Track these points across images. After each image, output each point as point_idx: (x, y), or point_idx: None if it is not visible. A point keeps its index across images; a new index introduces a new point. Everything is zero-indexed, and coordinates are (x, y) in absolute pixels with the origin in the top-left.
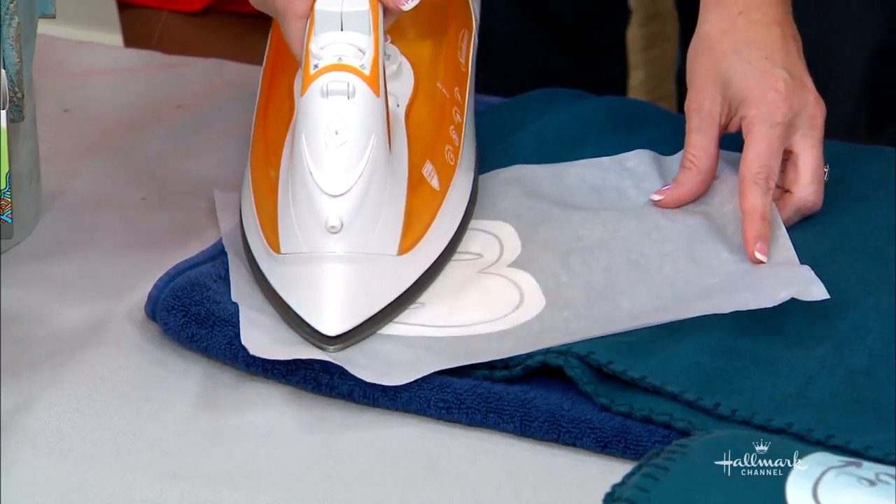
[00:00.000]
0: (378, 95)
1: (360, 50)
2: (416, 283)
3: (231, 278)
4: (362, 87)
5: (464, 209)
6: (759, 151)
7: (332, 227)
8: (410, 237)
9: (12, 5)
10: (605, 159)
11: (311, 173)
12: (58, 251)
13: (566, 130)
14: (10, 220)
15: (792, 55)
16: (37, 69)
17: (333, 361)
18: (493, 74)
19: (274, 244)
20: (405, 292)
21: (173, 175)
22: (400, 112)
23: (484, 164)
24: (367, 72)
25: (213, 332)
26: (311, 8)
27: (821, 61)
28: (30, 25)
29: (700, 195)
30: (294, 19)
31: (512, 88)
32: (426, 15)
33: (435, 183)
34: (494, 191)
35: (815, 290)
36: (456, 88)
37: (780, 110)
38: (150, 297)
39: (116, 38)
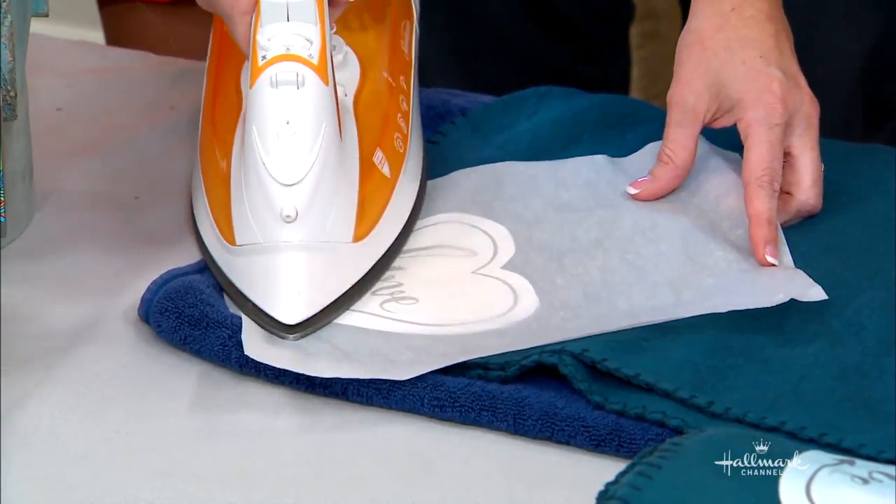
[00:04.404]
0: (327, 84)
1: (308, 40)
2: (372, 269)
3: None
4: (311, 77)
5: (415, 196)
6: (760, 154)
7: (288, 216)
8: (365, 224)
9: (5, 4)
10: (599, 158)
11: (263, 164)
12: (51, 250)
13: (560, 128)
14: (3, 219)
15: (786, 53)
16: (30, 68)
17: (340, 376)
18: (495, 70)
19: (229, 237)
20: (362, 279)
21: (166, 174)
22: (348, 101)
23: (479, 160)
24: (315, 61)
25: (207, 334)
26: (257, 2)
27: (817, 60)
28: (23, 24)
29: (675, 189)
30: (240, 15)
31: (514, 84)
32: (368, 6)
33: (386, 170)
34: (488, 188)
35: (813, 292)
36: (401, 77)
37: (776, 111)
38: (143, 300)
39: None
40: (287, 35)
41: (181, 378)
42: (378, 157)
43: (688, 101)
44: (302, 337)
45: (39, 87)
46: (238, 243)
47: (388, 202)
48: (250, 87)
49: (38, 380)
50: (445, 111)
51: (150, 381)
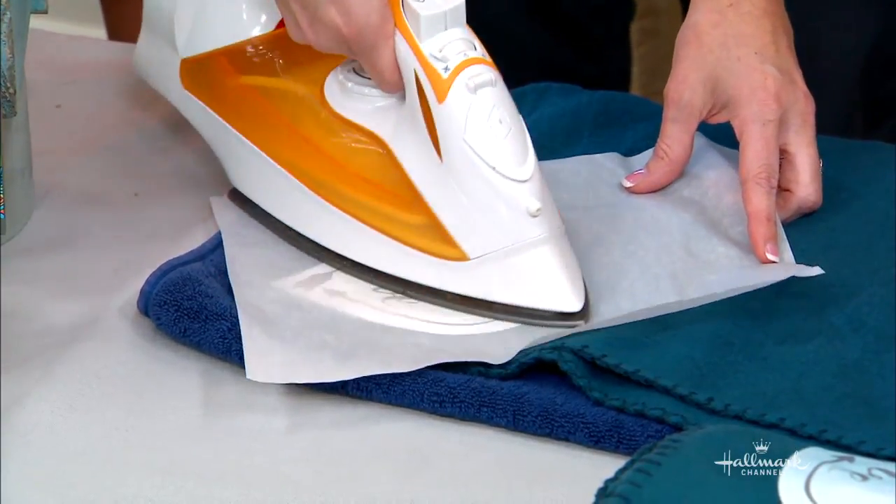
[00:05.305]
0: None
1: (470, 42)
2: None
3: (233, 283)
4: (497, 75)
5: None
6: (756, 151)
7: (538, 209)
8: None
9: (4, 1)
10: (599, 157)
11: (493, 168)
12: (50, 247)
13: (559, 124)
14: (2, 216)
15: (782, 50)
16: (29, 65)
17: (344, 378)
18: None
19: (453, 254)
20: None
21: (165, 171)
22: None
23: None
24: (489, 59)
25: (207, 326)
26: (396, 23)
27: (819, 57)
28: (22, 21)
29: (670, 183)
30: (386, 41)
31: (514, 80)
32: None
33: None
34: None
35: (810, 270)
36: None
37: (770, 108)
38: (142, 292)
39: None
40: (455, 42)
41: (180, 375)
42: None
43: (684, 97)
44: (587, 320)
45: (38, 84)
46: (473, 255)
47: None
48: (439, 102)
49: (38, 377)
50: None
51: (150, 379)
